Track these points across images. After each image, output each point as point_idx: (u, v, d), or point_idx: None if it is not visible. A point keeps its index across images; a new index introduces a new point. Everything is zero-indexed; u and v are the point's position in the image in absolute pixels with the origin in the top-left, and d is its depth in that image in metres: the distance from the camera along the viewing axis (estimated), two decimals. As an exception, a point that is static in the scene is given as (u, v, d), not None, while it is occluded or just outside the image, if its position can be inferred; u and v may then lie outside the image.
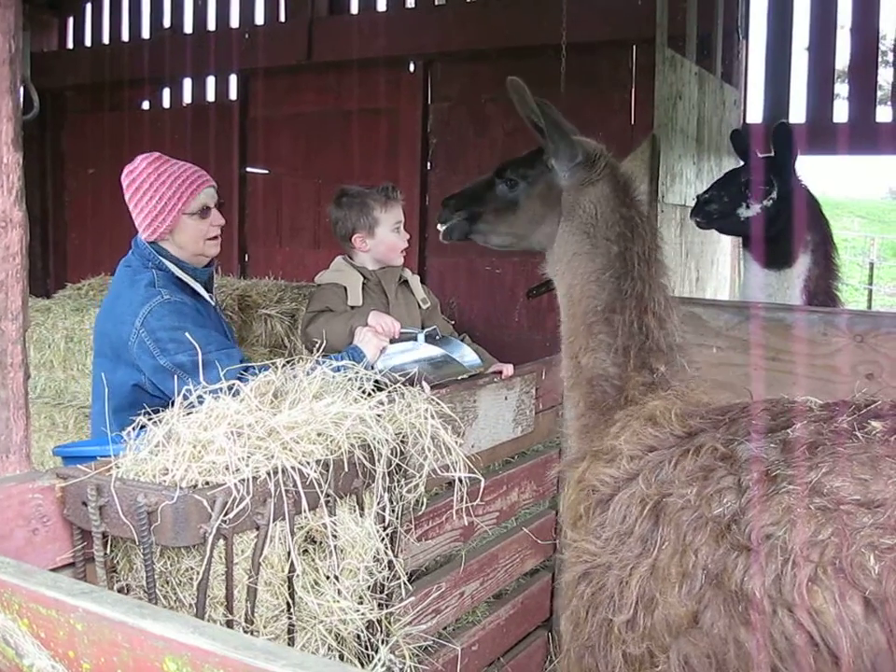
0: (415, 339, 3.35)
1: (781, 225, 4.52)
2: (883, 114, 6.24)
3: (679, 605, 2.02)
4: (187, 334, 2.91)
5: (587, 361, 2.70)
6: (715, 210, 4.66)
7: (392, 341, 3.32)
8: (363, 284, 3.76)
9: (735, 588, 1.94)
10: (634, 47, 6.66)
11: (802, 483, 1.92)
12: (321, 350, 2.67)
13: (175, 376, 2.94)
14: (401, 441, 2.49)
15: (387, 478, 2.44)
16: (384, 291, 3.81)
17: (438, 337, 3.48)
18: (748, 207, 4.60)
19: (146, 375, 3.14)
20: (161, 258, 3.29)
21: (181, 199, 3.26)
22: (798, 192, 4.56)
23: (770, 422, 2.16)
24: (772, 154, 4.67)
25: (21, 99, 2.00)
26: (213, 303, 3.54)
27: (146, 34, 9.39)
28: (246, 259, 8.69)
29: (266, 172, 8.63)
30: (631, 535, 2.20)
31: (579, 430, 2.75)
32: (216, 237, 3.42)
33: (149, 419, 2.18)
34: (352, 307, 3.68)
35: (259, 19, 8.67)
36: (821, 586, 1.82)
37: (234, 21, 8.80)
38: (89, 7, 9.77)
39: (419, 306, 3.95)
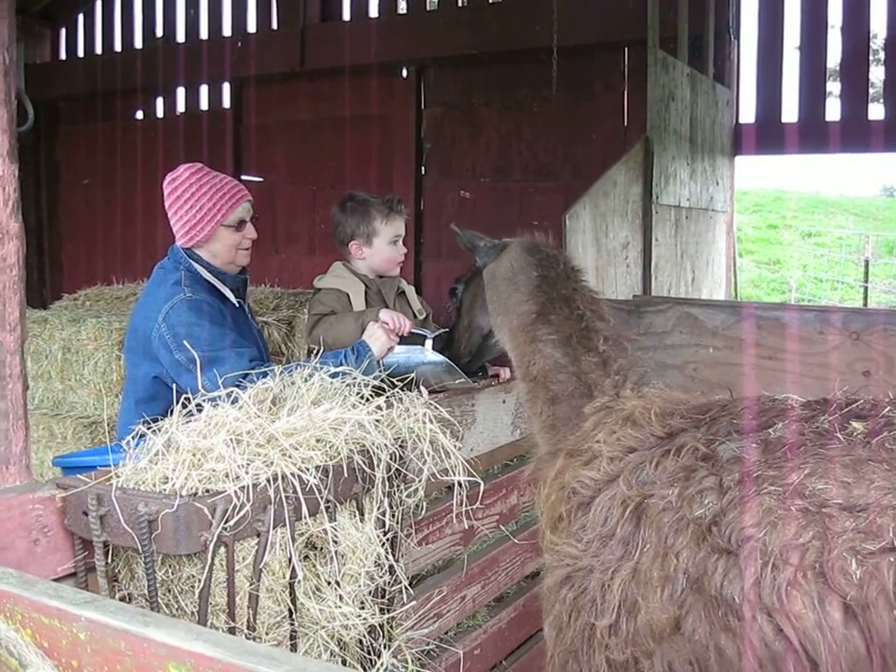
0: (423, 340, 3.36)
1: None
2: (875, 112, 6.27)
3: (661, 610, 1.98)
4: (199, 330, 3.08)
5: (538, 364, 2.80)
6: None
7: (402, 339, 3.33)
8: (365, 292, 3.77)
9: (714, 593, 1.89)
10: (626, 49, 6.69)
11: (783, 485, 1.87)
12: (320, 354, 2.68)
13: (189, 371, 3.04)
14: (400, 446, 2.50)
15: (387, 483, 2.44)
16: (383, 300, 3.82)
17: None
18: None
19: (164, 368, 3.22)
20: (191, 261, 3.39)
21: (220, 211, 3.36)
22: None
23: (751, 421, 2.14)
24: None
25: (16, 110, 2.01)
26: (244, 309, 3.63)
27: (138, 43, 9.42)
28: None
29: (261, 180, 8.64)
30: (612, 538, 2.16)
31: (546, 425, 2.75)
32: (247, 248, 3.54)
33: (148, 427, 2.18)
34: None
35: (252, 27, 8.69)
36: (801, 591, 1.77)
37: (227, 30, 8.82)
38: (81, 17, 9.79)
39: (415, 316, 3.96)
